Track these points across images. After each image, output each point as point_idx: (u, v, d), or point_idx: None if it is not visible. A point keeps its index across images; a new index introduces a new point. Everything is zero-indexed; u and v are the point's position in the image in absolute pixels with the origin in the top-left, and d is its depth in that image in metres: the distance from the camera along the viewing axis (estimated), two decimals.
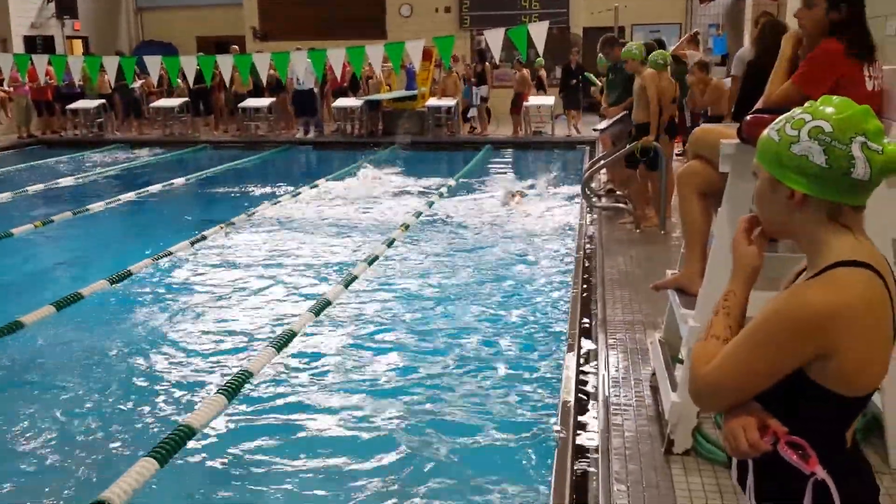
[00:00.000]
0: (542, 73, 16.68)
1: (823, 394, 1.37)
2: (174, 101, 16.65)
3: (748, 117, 2.75)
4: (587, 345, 4.49)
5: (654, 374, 3.70)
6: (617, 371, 3.97)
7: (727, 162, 2.84)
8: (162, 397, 4.34)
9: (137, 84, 16.42)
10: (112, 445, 3.84)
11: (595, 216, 7.79)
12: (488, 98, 16.09)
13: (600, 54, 8.87)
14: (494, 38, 11.56)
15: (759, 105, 3.13)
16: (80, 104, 16.56)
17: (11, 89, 16.36)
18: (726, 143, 2.83)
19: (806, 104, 1.42)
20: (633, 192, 7.46)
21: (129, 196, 10.04)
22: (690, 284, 3.17)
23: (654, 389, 3.60)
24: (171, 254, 7.01)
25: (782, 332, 1.35)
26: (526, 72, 15.80)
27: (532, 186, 10.47)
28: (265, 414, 4.11)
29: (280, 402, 4.24)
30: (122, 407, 4.26)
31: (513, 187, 10.36)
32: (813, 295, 1.34)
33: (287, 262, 6.98)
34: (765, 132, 1.45)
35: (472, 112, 16.24)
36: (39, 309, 5.43)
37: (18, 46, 18.61)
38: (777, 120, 1.44)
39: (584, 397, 3.80)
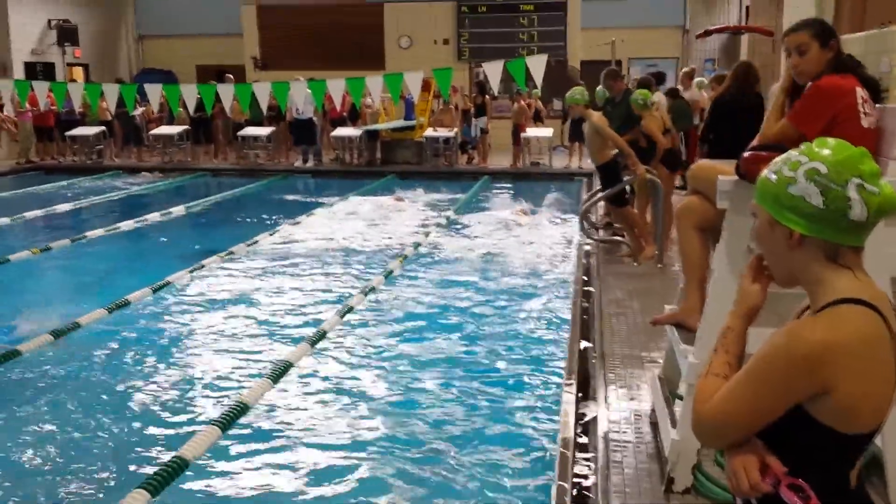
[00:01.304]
0: (539, 104, 16.80)
1: (823, 431, 1.37)
2: (174, 129, 16.73)
3: (745, 154, 2.77)
4: (585, 379, 4.47)
5: (653, 410, 3.68)
6: (616, 406, 3.95)
7: (725, 198, 2.85)
8: (156, 428, 4.31)
9: (138, 111, 16.49)
10: (104, 476, 3.80)
11: (593, 249, 7.80)
12: (487, 129, 16.20)
13: (600, 87, 8.96)
14: (493, 71, 11.69)
15: (755, 142, 3.16)
16: (80, 131, 16.63)
17: (15, 116, 16.45)
18: (723, 180, 2.84)
19: (802, 146, 1.45)
20: (627, 225, 7.49)
21: (128, 224, 10.04)
22: (689, 319, 3.17)
23: (654, 426, 3.58)
24: (169, 283, 7.00)
25: (780, 369, 1.36)
26: (524, 103, 15.92)
27: (533, 212, 10.61)
28: (260, 446, 4.07)
29: (275, 434, 4.21)
30: (116, 437, 4.22)
31: (519, 205, 11.08)
32: (810, 331, 1.36)
33: (284, 292, 6.97)
34: (763, 173, 1.47)
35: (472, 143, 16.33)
36: (37, 337, 5.41)
37: (19, 72, 18.75)
38: (774, 161, 1.46)
39: (583, 433, 3.77)
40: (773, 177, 1.44)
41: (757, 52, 13.47)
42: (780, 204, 1.42)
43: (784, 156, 1.46)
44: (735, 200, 2.81)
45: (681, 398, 3.38)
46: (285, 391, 4.72)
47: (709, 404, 1.44)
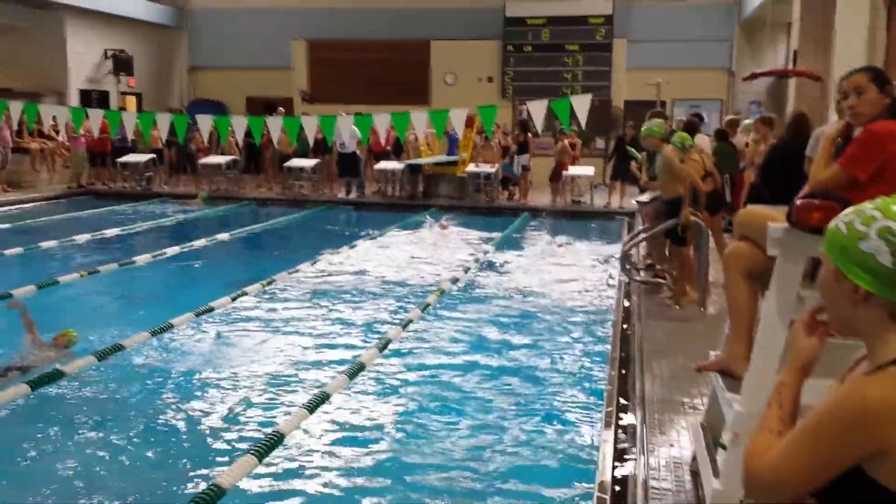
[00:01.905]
0: (576, 141, 16.85)
1: (882, 492, 1.33)
2: (223, 159, 17.07)
3: (798, 201, 2.73)
4: (625, 423, 4.41)
5: (694, 457, 3.61)
6: (656, 453, 3.88)
7: (775, 245, 2.81)
8: (193, 454, 4.34)
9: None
10: (142, 501, 3.83)
11: (634, 289, 7.73)
12: (529, 167, 16.24)
13: (644, 128, 8.94)
14: (537, 109, 11.74)
15: (806, 189, 3.12)
16: (131, 158, 17.05)
17: (68, 141, 16.96)
18: (774, 227, 2.80)
19: (878, 200, 1.42)
20: (678, 265, 7.41)
21: (174, 249, 10.22)
22: (735, 367, 3.11)
23: (695, 474, 3.51)
24: (212, 309, 7.09)
25: (838, 427, 1.33)
26: (566, 142, 15.96)
27: (572, 244, 10.67)
28: (294, 476, 4.08)
29: (310, 464, 4.21)
30: (152, 461, 4.26)
31: (560, 238, 11.71)
32: (870, 390, 1.32)
33: (323, 321, 7.02)
34: (832, 223, 1.45)
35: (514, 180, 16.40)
36: (81, 358, 5.51)
37: (74, 99, 19.35)
38: (845, 212, 1.44)
39: (622, 479, 3.70)
40: (844, 229, 1.42)
41: (804, 95, 13.34)
42: (849, 258, 1.39)
43: (856, 208, 1.43)
44: (786, 248, 2.77)
45: (724, 447, 3.31)
46: (321, 422, 4.72)
47: (763, 461, 1.41)
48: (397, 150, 17.50)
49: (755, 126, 8.62)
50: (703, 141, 8.90)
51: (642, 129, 7.34)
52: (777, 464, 1.39)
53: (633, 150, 14.25)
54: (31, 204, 15.19)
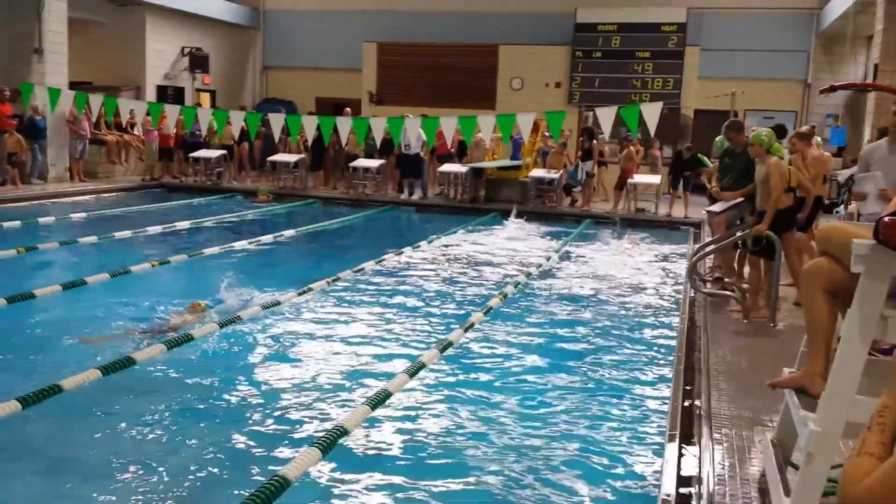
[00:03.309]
0: (605, 148, 16.68)
1: None
2: (292, 157, 17.38)
3: (886, 218, 2.65)
4: (690, 437, 4.32)
5: (763, 475, 3.53)
6: (722, 469, 3.79)
7: (860, 262, 2.73)
8: (257, 446, 4.41)
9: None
10: (205, 492, 3.91)
11: (700, 302, 7.59)
12: (594, 173, 16.12)
13: (719, 137, 8.80)
14: (606, 116, 11.66)
15: (894, 206, 3.02)
16: (203, 153, 17.50)
17: (144, 135, 17.51)
18: (860, 244, 2.72)
19: None
20: (753, 279, 7.23)
21: (242, 244, 10.46)
22: (811, 385, 3.03)
23: (763, 492, 3.43)
24: (278, 303, 7.23)
25: None
26: (632, 149, 15.79)
27: (637, 242, 10.65)
28: (357, 469, 4.12)
29: (370, 460, 4.25)
30: (217, 451, 4.33)
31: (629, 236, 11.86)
32: None
33: (386, 320, 7.07)
34: None
35: (577, 187, 16.31)
36: (150, 347, 5.67)
37: (151, 95, 19.96)
38: None
39: (687, 496, 3.64)
40: None
41: (883, 110, 12.91)
42: None
43: None
44: (871, 265, 2.69)
45: (796, 467, 3.23)
46: (383, 418, 4.76)
47: (860, 486, 1.36)
48: (461, 152, 17.56)
49: (791, 142, 8.16)
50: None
51: (752, 134, 7.12)
52: (874, 489, 1.34)
53: (704, 157, 14.05)
54: (107, 194, 15.72)
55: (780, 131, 8.69)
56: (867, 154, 6.15)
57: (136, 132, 18.03)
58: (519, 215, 14.65)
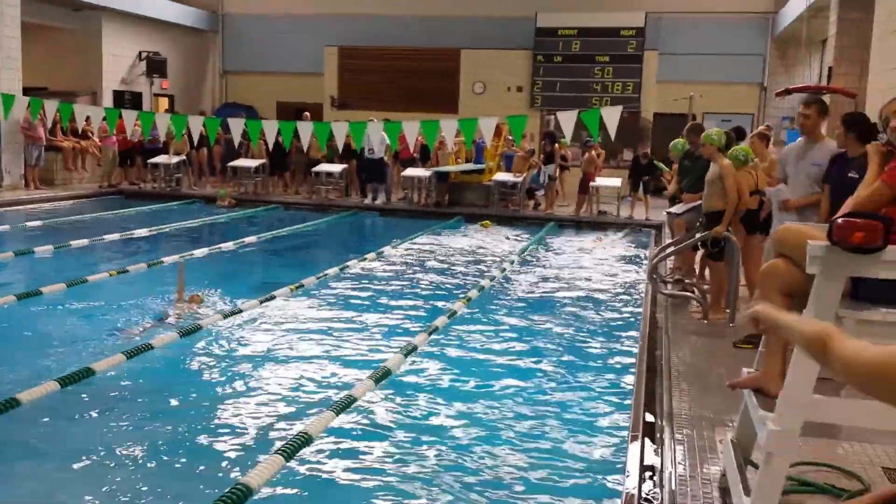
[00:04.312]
0: (567, 152, 16.85)
1: None
2: (252, 162, 17.23)
3: (839, 220, 2.71)
4: (652, 438, 4.37)
5: (723, 474, 3.58)
6: (684, 469, 3.84)
7: (815, 263, 2.79)
8: (220, 454, 4.36)
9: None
10: (168, 501, 3.85)
11: (660, 303, 7.68)
12: (556, 177, 16.24)
13: (679, 140, 8.92)
14: (567, 120, 11.75)
15: (848, 208, 3.09)
16: (161, 159, 17.25)
17: (100, 141, 17.21)
18: (814, 245, 2.78)
19: None
20: (712, 281, 7.33)
21: (202, 251, 10.33)
22: (770, 385, 3.09)
23: (724, 491, 3.48)
24: (240, 311, 7.15)
25: None
26: (594, 153, 15.94)
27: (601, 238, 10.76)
28: (321, 477, 4.09)
29: (336, 466, 4.22)
30: (179, 461, 4.28)
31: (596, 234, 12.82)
32: None
33: (350, 326, 7.04)
34: None
35: (540, 190, 16.41)
36: (111, 357, 5.57)
37: (108, 100, 19.63)
38: None
39: (649, 495, 3.67)
40: None
41: (839, 113, 13.18)
42: None
43: None
44: (825, 266, 2.75)
45: (756, 466, 3.28)
46: (347, 424, 4.74)
47: (869, 351, 1.35)
48: (424, 157, 17.56)
49: (752, 141, 8.27)
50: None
51: (703, 134, 7.22)
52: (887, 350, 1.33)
53: (660, 164, 14.31)
54: (63, 202, 15.42)
55: (738, 133, 8.84)
56: (783, 156, 6.29)
57: (94, 138, 17.72)
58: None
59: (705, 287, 7.51)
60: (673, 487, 3.62)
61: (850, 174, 5.16)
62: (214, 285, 8.19)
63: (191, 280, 7.93)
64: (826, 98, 13.48)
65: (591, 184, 15.65)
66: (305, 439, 4.35)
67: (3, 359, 5.78)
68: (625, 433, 4.64)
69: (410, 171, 16.62)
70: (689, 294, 7.71)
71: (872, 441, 3.98)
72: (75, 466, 4.12)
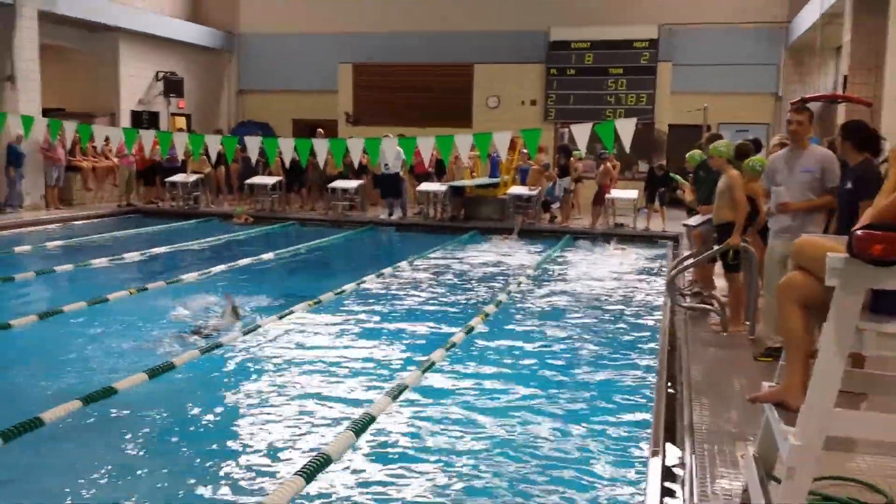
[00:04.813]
0: (578, 164, 16.82)
1: None
2: (269, 179, 17.34)
3: (858, 232, 2.70)
4: (673, 452, 4.35)
5: (745, 489, 3.55)
6: (705, 484, 3.82)
7: (834, 276, 2.77)
8: (240, 474, 4.37)
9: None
10: None
11: (679, 315, 7.64)
12: (571, 190, 16.23)
13: (696, 151, 8.92)
14: (581, 132, 11.74)
15: (866, 220, 3.07)
16: (179, 177, 17.41)
17: (116, 160, 17.39)
18: (833, 257, 2.77)
19: None
20: (730, 293, 7.29)
21: (220, 268, 10.40)
22: (790, 399, 3.06)
23: None
24: (259, 327, 7.19)
25: None
26: (609, 165, 15.93)
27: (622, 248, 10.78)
28: (339, 495, 4.09)
29: (354, 484, 4.23)
30: (199, 482, 4.29)
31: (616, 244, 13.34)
32: None
33: (369, 342, 7.05)
34: None
35: (556, 203, 16.41)
36: (133, 375, 5.62)
37: (125, 120, 19.84)
38: None
39: None
40: None
41: None
42: None
43: None
44: (844, 278, 2.73)
45: (778, 480, 3.25)
46: (365, 441, 4.74)
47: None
48: (439, 172, 17.62)
49: (773, 150, 8.25)
50: None
51: (711, 146, 7.23)
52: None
53: (676, 175, 14.26)
54: (83, 221, 15.59)
55: (756, 145, 8.82)
56: (772, 166, 6.25)
57: (113, 158, 17.90)
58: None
59: (724, 299, 7.46)
60: (695, 502, 3.60)
61: (846, 185, 5.15)
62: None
63: (208, 298, 8.00)
64: (841, 107, 13.43)
65: (607, 196, 15.63)
66: (325, 460, 4.36)
67: (25, 377, 5.85)
68: (645, 447, 4.62)
69: (426, 186, 16.67)
70: (708, 306, 7.67)
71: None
72: (96, 485, 4.15)
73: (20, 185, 15.60)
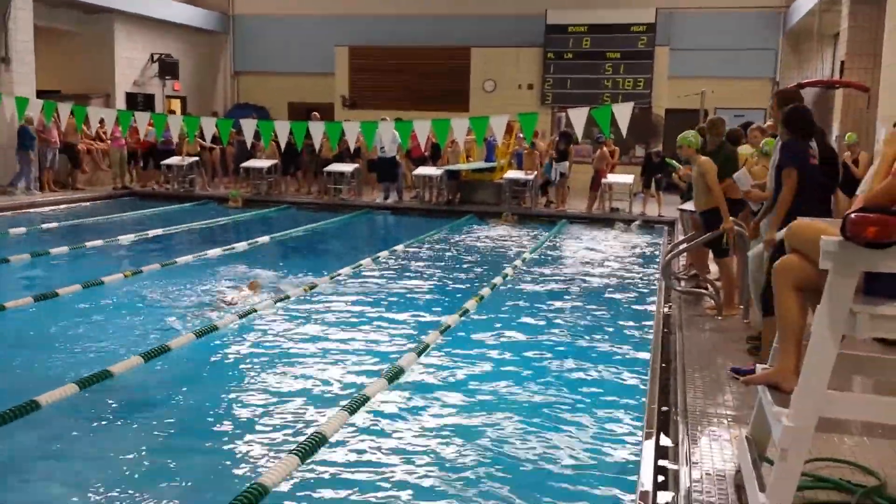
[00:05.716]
0: (614, 149, 16.80)
1: None
2: (265, 162, 17.29)
3: (852, 215, 2.71)
4: (666, 435, 4.37)
5: (738, 471, 3.57)
6: (698, 465, 3.84)
7: (828, 259, 2.78)
8: (235, 454, 4.39)
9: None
10: (184, 500, 3.88)
11: (674, 299, 7.67)
12: (568, 174, 16.22)
13: (689, 132, 8.88)
14: (578, 117, 11.73)
15: (860, 203, 3.08)
16: (174, 160, 17.34)
17: (108, 143, 17.33)
18: (827, 241, 2.77)
19: None
20: (723, 277, 7.32)
21: (216, 251, 10.38)
22: (784, 381, 3.08)
23: (739, 488, 3.47)
24: (255, 311, 7.19)
25: None
26: (605, 150, 15.91)
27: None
28: (334, 475, 4.11)
29: (350, 465, 4.24)
30: (196, 461, 4.32)
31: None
32: None
33: (364, 325, 7.06)
34: None
35: (552, 187, 16.40)
36: (128, 359, 5.62)
37: (121, 102, 19.76)
38: None
39: (664, 492, 3.67)
40: None
41: (851, 107, 13.13)
42: None
43: None
44: (839, 262, 2.74)
45: (771, 462, 3.27)
46: (360, 423, 4.76)
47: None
48: (435, 155, 17.57)
49: (752, 135, 8.23)
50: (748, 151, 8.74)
51: (679, 136, 7.28)
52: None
53: (672, 161, 14.24)
54: (77, 204, 15.53)
55: (737, 134, 8.79)
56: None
57: (107, 140, 17.83)
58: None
59: (718, 283, 7.48)
60: (688, 484, 3.62)
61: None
62: (227, 285, 8.23)
63: (202, 281, 7.99)
64: (839, 92, 13.42)
65: (604, 180, 15.63)
66: (320, 439, 4.38)
67: (20, 361, 5.85)
68: (639, 429, 4.64)
69: (422, 170, 16.64)
70: (702, 290, 7.69)
71: (890, 437, 3.96)
72: (93, 468, 4.16)
73: (34, 167, 15.58)
